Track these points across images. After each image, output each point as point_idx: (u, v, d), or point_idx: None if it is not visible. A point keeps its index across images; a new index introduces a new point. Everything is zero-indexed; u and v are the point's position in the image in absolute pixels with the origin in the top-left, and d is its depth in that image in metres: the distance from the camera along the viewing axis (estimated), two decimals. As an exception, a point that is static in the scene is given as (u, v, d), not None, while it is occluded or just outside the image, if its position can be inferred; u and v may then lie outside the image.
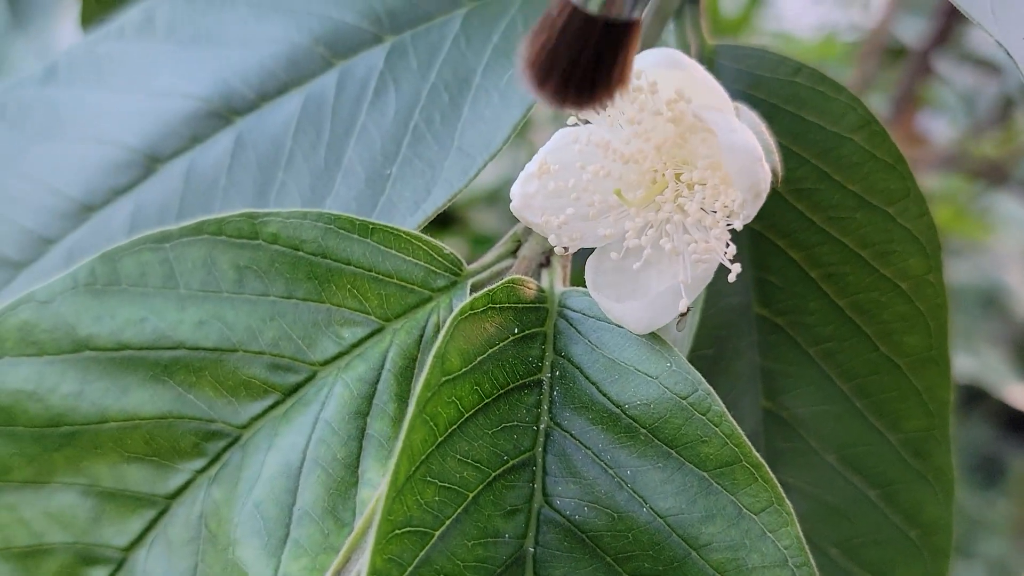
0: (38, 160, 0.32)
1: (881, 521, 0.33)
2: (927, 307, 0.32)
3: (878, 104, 1.06)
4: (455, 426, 0.23)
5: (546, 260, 0.27)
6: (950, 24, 0.89)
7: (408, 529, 0.21)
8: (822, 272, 0.32)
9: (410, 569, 0.21)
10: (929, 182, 1.23)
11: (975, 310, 1.51)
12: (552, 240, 0.24)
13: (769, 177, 0.22)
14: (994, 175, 0.90)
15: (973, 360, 1.27)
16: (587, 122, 0.24)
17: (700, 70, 0.22)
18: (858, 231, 0.32)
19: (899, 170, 0.31)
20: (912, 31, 0.94)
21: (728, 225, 0.23)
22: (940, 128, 1.16)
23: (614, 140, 0.23)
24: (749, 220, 0.23)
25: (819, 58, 1.27)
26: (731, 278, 0.23)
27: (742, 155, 0.21)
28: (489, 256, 0.27)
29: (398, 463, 0.20)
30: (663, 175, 0.23)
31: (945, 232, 1.51)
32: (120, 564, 0.26)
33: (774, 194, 0.31)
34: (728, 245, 0.23)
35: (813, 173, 0.32)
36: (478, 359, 0.23)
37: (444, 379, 0.22)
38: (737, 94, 0.32)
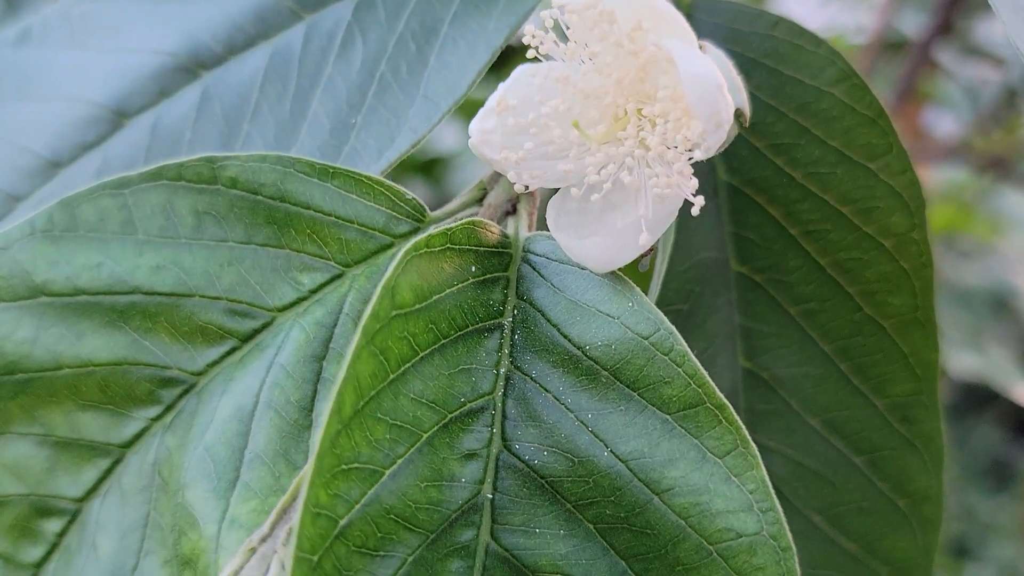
0: (8, 120, 0.32)
1: (867, 488, 0.33)
2: (911, 266, 0.31)
3: (880, 98, 1.05)
4: (409, 364, 0.22)
5: (512, 207, 0.26)
6: (951, 16, 0.88)
7: (356, 465, 0.21)
8: (802, 229, 0.31)
9: (357, 507, 0.21)
10: (934, 177, 1.22)
11: (984, 311, 1.50)
12: (512, 177, 0.23)
13: (731, 107, 0.22)
14: (999, 168, 0.89)
15: (980, 360, 1.26)
16: (548, 57, 0.23)
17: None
18: (839, 187, 0.31)
19: (881, 125, 0.31)
20: (913, 24, 0.93)
21: (690, 158, 0.22)
22: (947, 124, 1.15)
23: (574, 75, 0.23)
24: (711, 153, 0.22)
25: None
26: (694, 211, 0.22)
27: (702, 83, 0.21)
28: (454, 203, 0.26)
29: (342, 393, 0.20)
30: (624, 110, 0.23)
31: (953, 232, 1.50)
32: (74, 515, 0.25)
33: (752, 149, 0.31)
34: (690, 178, 0.22)
35: (792, 128, 0.31)
36: (434, 297, 0.23)
37: (395, 312, 0.21)
38: (719, 48, 0.32)
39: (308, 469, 0.19)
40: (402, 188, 0.26)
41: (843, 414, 0.32)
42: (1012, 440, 1.60)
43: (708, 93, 0.21)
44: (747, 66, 0.31)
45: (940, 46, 0.91)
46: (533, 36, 0.23)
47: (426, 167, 1.22)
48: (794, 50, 0.31)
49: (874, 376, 0.32)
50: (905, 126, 1.20)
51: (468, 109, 0.26)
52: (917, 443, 0.33)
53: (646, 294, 0.26)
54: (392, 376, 0.22)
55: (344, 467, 0.20)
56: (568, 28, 0.23)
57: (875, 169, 0.31)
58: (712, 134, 0.21)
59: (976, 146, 0.95)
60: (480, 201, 0.27)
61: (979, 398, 1.60)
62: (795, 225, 0.31)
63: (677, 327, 0.28)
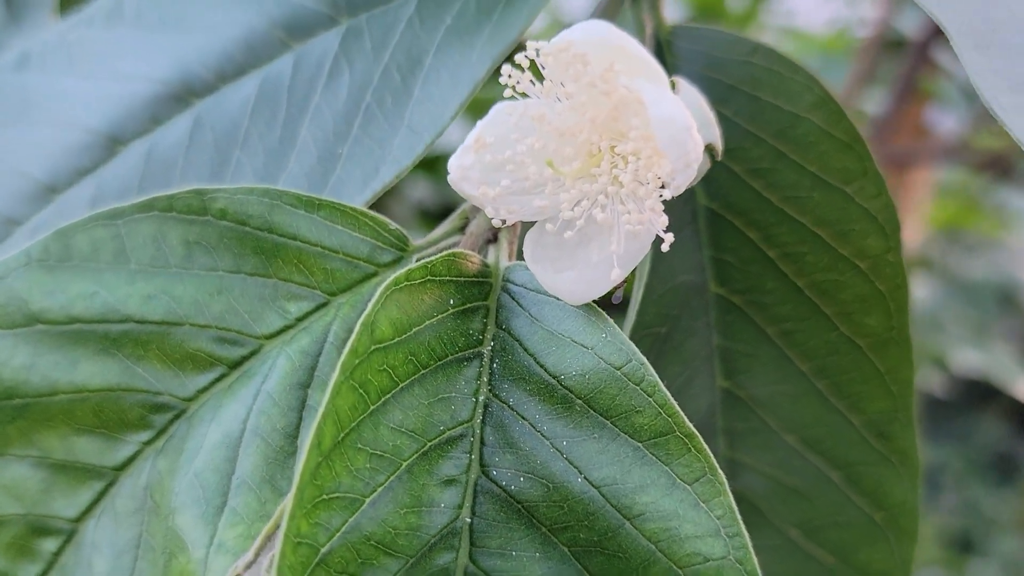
0: (7, 144, 0.33)
1: (843, 503, 0.33)
2: (887, 287, 0.32)
3: (881, 97, 1.05)
4: (389, 395, 0.23)
5: (493, 236, 0.27)
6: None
7: (337, 495, 0.22)
8: (780, 252, 0.32)
9: (338, 535, 0.21)
10: (937, 174, 1.22)
11: (990, 306, 1.51)
12: (489, 212, 0.24)
13: (700, 146, 0.22)
14: (998, 167, 0.89)
15: (982, 356, 1.26)
16: (524, 96, 0.24)
17: (631, 42, 0.23)
18: (815, 210, 0.32)
19: (856, 149, 0.31)
20: (912, 23, 0.94)
21: (660, 196, 0.23)
22: (949, 123, 1.15)
23: (549, 113, 0.24)
24: (680, 191, 0.23)
25: (824, 53, 1.27)
26: (664, 247, 0.23)
27: (670, 125, 0.22)
28: (436, 232, 0.27)
29: (321, 427, 0.21)
30: (598, 147, 0.23)
31: (958, 227, 1.50)
32: (70, 535, 0.26)
33: (731, 174, 0.31)
34: (661, 215, 0.23)
35: (770, 153, 0.32)
36: (414, 330, 0.24)
37: (374, 347, 0.22)
38: (694, 75, 0.32)
39: (289, 500, 0.20)
40: (385, 219, 0.26)
41: (820, 431, 0.33)
42: (1016, 435, 1.60)
43: (677, 135, 0.22)
44: (726, 92, 0.32)
45: (939, 46, 0.92)
46: (510, 76, 0.23)
47: (430, 164, 1.22)
48: (772, 76, 0.32)
49: (850, 394, 0.33)
50: (907, 124, 1.21)
51: (476, 107, 0.27)
52: (893, 459, 0.33)
53: (624, 320, 0.27)
54: (372, 407, 0.23)
55: (325, 497, 0.21)
56: (544, 68, 0.23)
57: (851, 192, 0.31)
58: (681, 172, 0.22)
59: (974, 145, 0.96)
60: (462, 230, 0.27)
61: (983, 393, 1.61)
62: (773, 248, 0.32)
63: (655, 349, 0.29)
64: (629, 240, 0.23)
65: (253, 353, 0.26)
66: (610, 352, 0.24)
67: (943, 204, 1.43)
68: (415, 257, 0.26)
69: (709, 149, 0.25)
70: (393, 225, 0.27)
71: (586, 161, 0.24)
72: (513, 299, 0.26)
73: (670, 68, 0.32)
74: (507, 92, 0.24)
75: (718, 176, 0.32)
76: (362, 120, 0.29)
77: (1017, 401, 1.45)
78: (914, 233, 1.42)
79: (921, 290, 1.35)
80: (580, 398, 0.24)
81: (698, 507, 0.23)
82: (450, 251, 0.25)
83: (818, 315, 0.32)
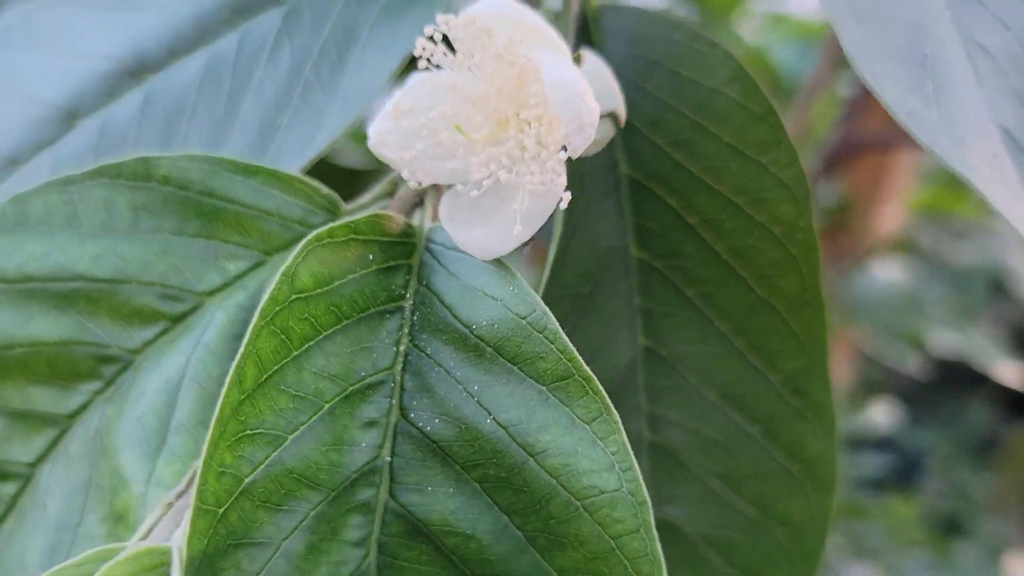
0: (-27, 119, 0.35)
1: (763, 456, 0.35)
2: (799, 251, 0.34)
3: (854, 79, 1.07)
4: (312, 342, 0.25)
5: (420, 200, 0.29)
6: None
7: (260, 431, 0.24)
8: (699, 219, 0.34)
9: (261, 467, 0.24)
10: (915, 159, 1.24)
11: (978, 291, 1.52)
12: (405, 175, 0.26)
13: (594, 111, 0.24)
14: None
15: (961, 339, 1.28)
16: (438, 67, 0.26)
17: (530, 14, 0.25)
18: (732, 180, 0.34)
19: (770, 121, 0.33)
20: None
21: (560, 158, 0.25)
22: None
23: (461, 83, 0.26)
24: (577, 153, 0.25)
25: (812, 38, 1.28)
26: (562, 205, 0.25)
27: (563, 89, 0.24)
28: (366, 197, 0.29)
29: (242, 367, 0.23)
30: (505, 114, 0.25)
31: (942, 211, 1.51)
32: (27, 479, 0.28)
33: (653, 145, 0.33)
34: (561, 176, 0.25)
35: (689, 125, 0.34)
36: (336, 283, 0.26)
37: (295, 296, 0.24)
38: (620, 51, 0.34)
39: (210, 431, 0.22)
40: (318, 184, 0.29)
41: (739, 388, 0.35)
42: (1003, 418, 1.62)
43: (569, 98, 0.24)
44: (649, 67, 0.34)
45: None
46: (423, 48, 0.25)
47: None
48: (691, 52, 0.34)
49: (767, 352, 0.35)
50: (880, 107, 1.22)
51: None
52: (809, 413, 0.35)
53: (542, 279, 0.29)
54: (295, 353, 0.25)
55: (249, 432, 0.23)
56: (455, 41, 0.25)
57: (765, 163, 0.33)
58: (576, 135, 0.24)
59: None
60: (391, 195, 0.29)
61: (971, 377, 1.63)
62: (692, 215, 0.34)
63: (578, 308, 0.31)
64: (532, 199, 0.25)
65: (194, 308, 0.28)
66: (517, 303, 0.26)
67: (928, 188, 1.44)
68: (345, 219, 0.28)
69: (612, 116, 0.27)
70: (325, 190, 0.29)
71: (495, 127, 0.26)
72: (434, 257, 0.28)
73: (597, 44, 0.34)
74: (422, 63, 0.26)
75: (641, 147, 0.34)
76: (301, 92, 0.31)
77: (1004, 387, 1.47)
78: (895, 216, 1.44)
79: (900, 273, 1.37)
80: (490, 346, 0.26)
81: (595, 444, 0.25)
82: (374, 213, 0.27)
83: (736, 278, 0.34)
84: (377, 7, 0.31)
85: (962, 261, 1.55)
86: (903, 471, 1.89)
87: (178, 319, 0.28)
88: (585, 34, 0.34)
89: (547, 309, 0.26)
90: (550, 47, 0.25)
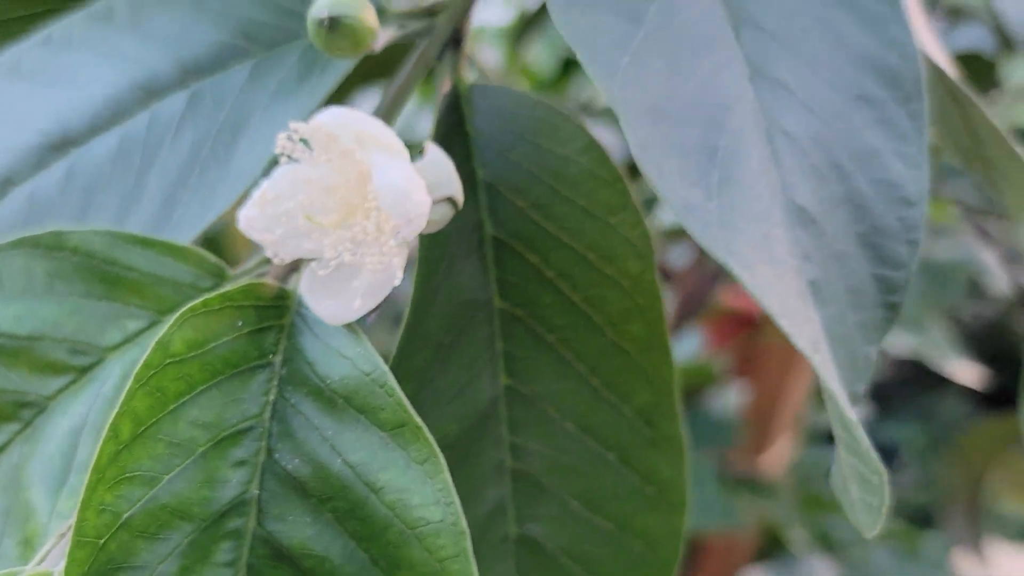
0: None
1: (619, 479, 0.40)
2: (645, 301, 0.39)
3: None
4: (186, 397, 0.30)
5: (296, 267, 0.34)
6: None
7: (138, 474, 0.29)
8: (556, 272, 0.38)
9: (139, 504, 0.28)
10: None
11: (957, 287, 1.56)
12: (269, 253, 0.31)
13: (422, 205, 0.29)
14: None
15: (916, 339, 1.32)
16: (298, 161, 0.31)
17: (369, 122, 0.29)
18: (585, 238, 0.38)
19: (617, 187, 0.38)
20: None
21: (395, 243, 0.29)
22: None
23: (316, 176, 0.30)
24: (410, 239, 0.30)
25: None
26: (396, 282, 0.30)
27: (390, 191, 0.28)
28: (251, 262, 0.34)
29: (117, 424, 0.28)
30: (352, 203, 0.30)
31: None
32: (-43, 508, 0.33)
33: (515, 208, 0.38)
34: (397, 258, 0.30)
35: (547, 190, 0.38)
36: (210, 345, 0.30)
37: (168, 361, 0.29)
38: (489, 124, 0.39)
39: (87, 478, 0.27)
40: (206, 253, 0.33)
41: (596, 420, 0.40)
42: (978, 412, 1.67)
43: (396, 198, 0.28)
44: (513, 139, 0.39)
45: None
46: (283, 146, 0.30)
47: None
48: (549, 126, 0.38)
49: (620, 390, 0.39)
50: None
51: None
52: (660, 442, 0.40)
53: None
54: (171, 407, 0.29)
55: (128, 475, 0.28)
56: (309, 141, 0.30)
57: (614, 223, 0.38)
58: (405, 227, 0.29)
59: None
60: (270, 261, 0.34)
61: (942, 376, 1.67)
62: (550, 269, 0.38)
63: (440, 356, 0.36)
64: (372, 278, 0.30)
65: (98, 362, 0.33)
66: (363, 362, 0.31)
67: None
68: (230, 284, 0.33)
69: (451, 200, 0.32)
70: (213, 258, 0.33)
71: (343, 214, 0.30)
72: (303, 319, 0.32)
73: (467, 117, 0.39)
74: (283, 159, 0.31)
75: (504, 210, 0.38)
76: (199, 169, 0.36)
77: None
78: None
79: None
80: (341, 397, 0.31)
81: (425, 482, 0.30)
82: (249, 282, 0.32)
83: (590, 324, 0.39)
84: (267, 94, 0.36)
85: (938, 257, 1.59)
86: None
87: (84, 371, 0.33)
88: (457, 109, 0.39)
89: (386, 368, 0.30)
90: (387, 149, 0.29)
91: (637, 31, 0.33)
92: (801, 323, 0.30)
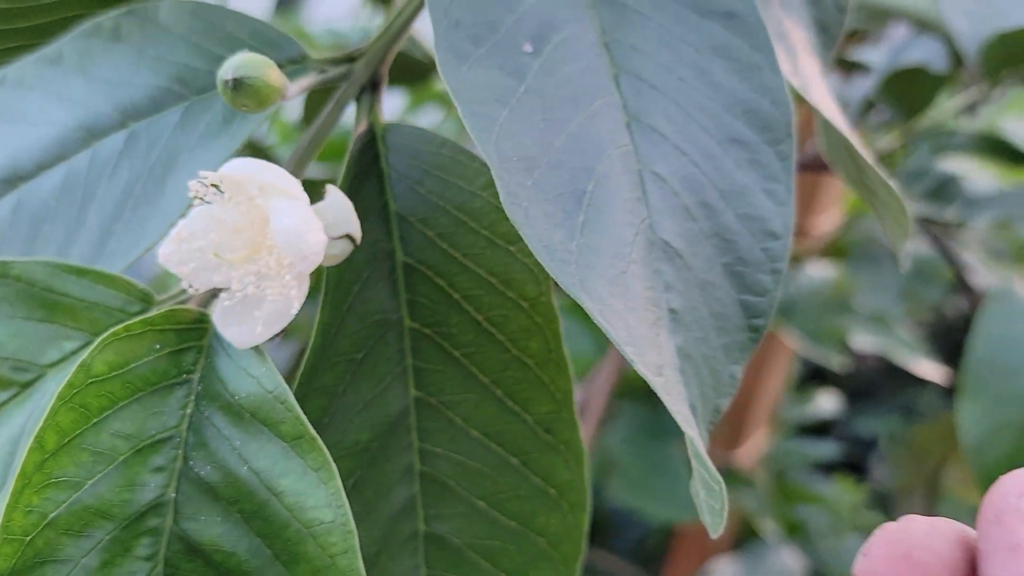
0: None
1: (522, 481, 0.44)
2: (542, 320, 0.43)
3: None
4: (109, 411, 0.34)
5: (216, 293, 0.38)
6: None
7: (64, 479, 0.33)
8: (462, 294, 0.42)
9: (63, 505, 0.33)
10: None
11: (939, 282, 1.59)
12: (183, 284, 0.35)
13: (316, 244, 0.33)
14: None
15: (878, 338, 1.36)
16: (210, 203, 0.35)
17: (269, 171, 0.33)
18: (487, 264, 0.42)
19: (516, 219, 0.42)
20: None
21: (292, 277, 0.34)
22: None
23: (226, 216, 0.34)
24: (305, 274, 0.34)
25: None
26: (293, 312, 0.34)
27: (284, 234, 0.32)
28: (176, 289, 0.38)
29: (42, 435, 0.32)
30: (257, 242, 0.34)
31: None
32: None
33: (424, 237, 0.42)
34: (295, 291, 0.34)
35: (454, 221, 0.42)
36: (131, 365, 0.35)
37: (90, 381, 0.33)
38: (402, 161, 0.43)
39: (13, 483, 0.31)
40: (134, 281, 0.37)
41: (500, 427, 0.44)
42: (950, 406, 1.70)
43: (289, 241, 0.32)
44: (423, 174, 0.43)
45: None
46: (196, 191, 0.34)
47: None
48: (456, 163, 0.42)
49: (522, 400, 0.43)
50: (802, 122, 1.31)
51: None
52: (560, 448, 0.44)
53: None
54: (94, 420, 0.34)
55: (53, 480, 0.33)
56: (220, 186, 0.34)
57: (514, 251, 0.42)
58: (300, 263, 0.33)
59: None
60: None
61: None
62: (456, 291, 0.42)
63: (351, 371, 0.40)
64: (272, 308, 0.34)
65: (38, 377, 0.37)
66: (266, 381, 0.35)
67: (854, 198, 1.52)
68: (156, 308, 0.37)
69: (349, 237, 0.36)
70: (141, 285, 0.37)
71: (249, 251, 0.34)
72: (219, 342, 0.36)
73: (382, 154, 0.43)
74: (196, 202, 0.35)
75: (414, 238, 0.42)
76: (132, 205, 0.40)
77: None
78: (828, 222, 1.52)
79: (831, 272, 1.45)
80: (248, 412, 0.35)
81: (319, 487, 0.34)
82: (170, 308, 0.36)
83: (493, 341, 0.43)
84: (196, 135, 0.40)
85: (921, 254, 1.63)
86: (856, 457, 1.97)
87: (26, 386, 0.37)
88: (373, 147, 0.43)
89: (286, 386, 0.35)
90: (286, 195, 0.33)
91: (519, 86, 0.37)
92: (646, 350, 0.34)
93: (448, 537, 0.44)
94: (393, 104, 1.21)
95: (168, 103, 0.42)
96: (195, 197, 0.34)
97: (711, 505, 0.34)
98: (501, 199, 0.34)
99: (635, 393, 1.47)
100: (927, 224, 1.00)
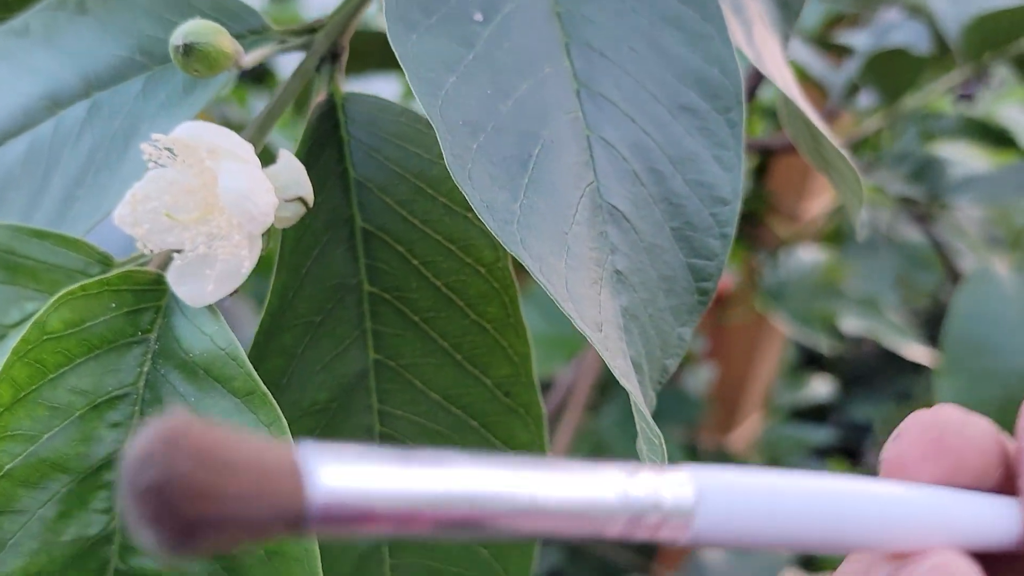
0: None
1: (482, 442, 0.45)
2: (500, 285, 0.44)
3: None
4: (65, 368, 0.35)
5: (172, 256, 0.39)
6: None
7: (20, 432, 0.34)
8: (420, 261, 0.43)
9: (19, 458, 0.34)
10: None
11: (933, 267, 1.60)
12: (139, 246, 0.36)
13: (264, 205, 0.34)
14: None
15: (867, 321, 1.37)
16: (164, 166, 0.35)
17: (218, 134, 0.34)
18: (446, 230, 0.43)
19: (472, 185, 0.43)
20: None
21: (241, 237, 0.34)
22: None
23: (179, 178, 0.35)
24: (256, 234, 0.34)
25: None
26: (245, 271, 0.35)
27: (231, 194, 0.33)
28: (135, 253, 0.39)
29: (-1, 391, 0.33)
30: (209, 203, 0.35)
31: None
32: None
33: (383, 203, 0.43)
34: (245, 251, 0.35)
35: (413, 188, 0.43)
36: (87, 324, 0.35)
37: (45, 337, 0.34)
38: (362, 129, 0.44)
39: (-29, 435, 0.32)
40: (94, 244, 0.38)
41: (460, 390, 0.44)
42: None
43: (236, 202, 0.33)
44: (382, 143, 0.43)
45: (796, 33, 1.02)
46: (148, 154, 0.35)
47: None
48: (415, 132, 0.43)
49: (482, 363, 0.44)
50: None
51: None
52: (519, 411, 0.45)
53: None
54: (50, 376, 0.35)
55: (10, 433, 0.34)
56: (174, 149, 0.35)
57: (471, 217, 0.43)
58: (248, 224, 0.34)
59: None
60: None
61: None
62: (415, 257, 0.43)
63: (311, 333, 0.41)
64: (223, 267, 0.35)
65: (2, 337, 0.38)
66: (219, 339, 0.36)
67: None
68: (116, 270, 0.38)
69: (302, 200, 0.37)
70: (101, 249, 0.38)
71: (202, 211, 0.35)
72: (177, 303, 0.37)
73: (342, 124, 0.44)
74: (150, 164, 0.36)
75: (373, 205, 0.43)
76: (93, 171, 0.41)
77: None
78: (820, 207, 1.52)
79: (816, 256, 1.46)
80: (202, 368, 0.36)
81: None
82: (128, 269, 0.37)
83: (453, 306, 0.44)
84: (157, 103, 0.41)
85: (916, 240, 1.63)
86: (851, 440, 1.98)
87: (-10, 345, 0.38)
88: (333, 115, 0.44)
89: (238, 343, 0.35)
90: (236, 158, 0.34)
91: (468, 53, 0.38)
92: (585, 306, 0.34)
93: (408, 498, 0.45)
94: (391, 90, 1.22)
95: (131, 73, 0.42)
96: (149, 160, 0.35)
97: (652, 459, 0.35)
98: (446, 161, 0.35)
99: (628, 378, 1.47)
100: (910, 204, 1.00)
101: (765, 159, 1.44)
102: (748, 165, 1.48)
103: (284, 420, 0.35)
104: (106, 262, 0.38)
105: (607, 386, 1.43)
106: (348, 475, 0.18)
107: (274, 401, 0.35)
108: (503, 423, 0.45)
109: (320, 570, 0.35)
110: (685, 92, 0.41)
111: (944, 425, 0.25)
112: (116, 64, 0.43)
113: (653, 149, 0.40)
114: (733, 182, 0.41)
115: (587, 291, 0.35)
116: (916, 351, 1.41)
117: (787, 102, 0.51)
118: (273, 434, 0.35)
